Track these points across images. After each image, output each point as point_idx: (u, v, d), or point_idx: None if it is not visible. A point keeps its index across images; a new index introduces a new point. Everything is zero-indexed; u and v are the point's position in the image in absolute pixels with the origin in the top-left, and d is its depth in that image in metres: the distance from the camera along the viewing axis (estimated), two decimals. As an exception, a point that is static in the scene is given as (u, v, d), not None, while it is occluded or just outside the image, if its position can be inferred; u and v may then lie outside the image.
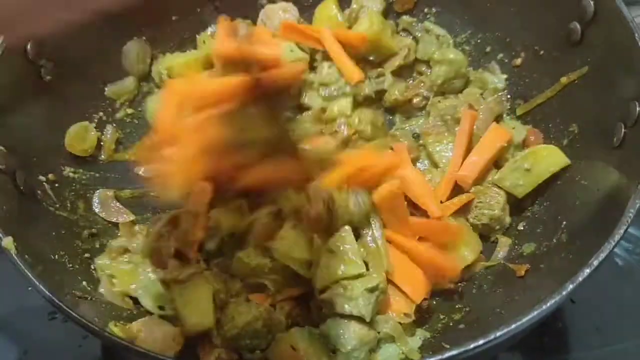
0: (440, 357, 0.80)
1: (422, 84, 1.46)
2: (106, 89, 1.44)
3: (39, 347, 1.30)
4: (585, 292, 1.19)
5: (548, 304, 0.85)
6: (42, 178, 1.21)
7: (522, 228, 1.29)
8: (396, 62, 1.50)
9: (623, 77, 1.15)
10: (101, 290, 1.14)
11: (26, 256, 0.97)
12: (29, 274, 0.94)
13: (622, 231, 0.94)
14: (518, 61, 1.46)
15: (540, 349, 1.23)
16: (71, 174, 1.30)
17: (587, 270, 0.89)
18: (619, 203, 1.01)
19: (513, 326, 0.82)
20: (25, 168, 1.15)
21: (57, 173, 1.26)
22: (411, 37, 1.55)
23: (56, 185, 1.24)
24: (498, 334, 0.81)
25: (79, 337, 1.30)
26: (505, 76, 1.46)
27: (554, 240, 1.18)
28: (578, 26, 1.26)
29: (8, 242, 0.97)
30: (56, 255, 1.13)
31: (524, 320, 0.83)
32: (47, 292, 0.91)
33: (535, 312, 0.84)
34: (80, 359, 1.28)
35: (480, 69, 1.51)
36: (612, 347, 1.23)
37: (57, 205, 1.22)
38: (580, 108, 1.27)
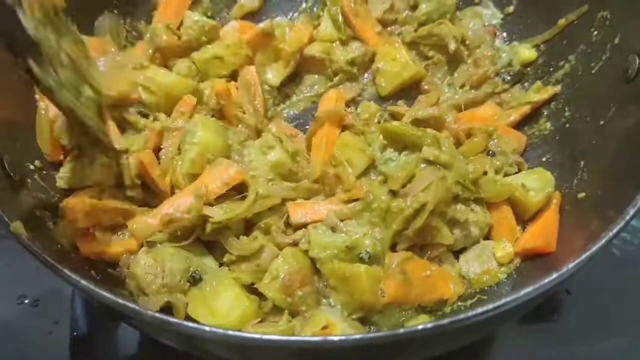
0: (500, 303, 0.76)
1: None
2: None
3: (7, 333, 1.24)
4: (582, 284, 1.23)
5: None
6: (30, 166, 1.10)
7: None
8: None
9: (630, 9, 1.14)
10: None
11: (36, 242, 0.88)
12: (47, 257, 0.84)
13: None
14: (510, 9, 1.44)
15: (538, 341, 1.21)
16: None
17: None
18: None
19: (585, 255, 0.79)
20: (11, 154, 1.05)
21: (42, 159, 1.14)
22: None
23: (44, 172, 1.13)
24: (570, 265, 0.78)
25: (50, 323, 1.24)
26: (501, 15, 1.44)
27: (575, 181, 1.16)
28: (574, -37, 1.26)
29: (17, 226, 0.88)
30: (59, 245, 1.03)
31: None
32: (68, 272, 0.82)
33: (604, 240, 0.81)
34: (50, 345, 1.22)
35: (473, 5, 1.48)
36: (610, 338, 1.22)
37: (52, 193, 1.11)
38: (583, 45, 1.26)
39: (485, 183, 1.14)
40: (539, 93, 1.31)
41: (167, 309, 0.99)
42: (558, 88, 1.30)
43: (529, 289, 0.76)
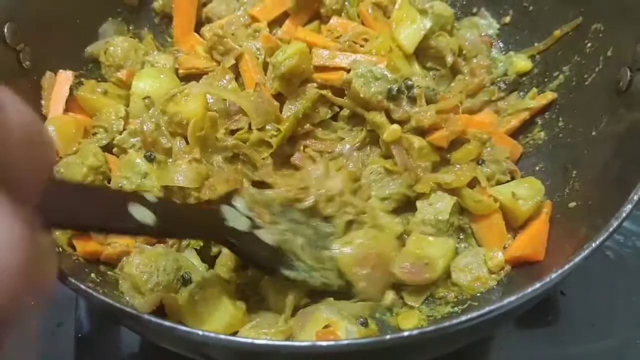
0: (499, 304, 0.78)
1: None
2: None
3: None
4: (577, 285, 1.25)
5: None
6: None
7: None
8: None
9: (623, 22, 1.16)
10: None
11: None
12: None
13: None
14: (507, 19, 1.46)
15: (533, 342, 1.23)
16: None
17: (629, 206, 0.88)
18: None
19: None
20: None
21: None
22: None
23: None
24: (553, 275, 0.80)
25: (53, 324, 1.25)
26: (498, 26, 1.46)
27: (567, 190, 1.18)
28: (569, -25, 1.27)
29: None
30: (60, 248, 1.05)
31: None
32: (68, 275, 0.85)
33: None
34: (54, 346, 1.23)
35: (470, 16, 1.50)
36: (603, 339, 1.23)
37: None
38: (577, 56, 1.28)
39: (467, 197, 1.17)
40: (535, 99, 1.32)
41: (163, 315, 1.01)
42: (555, 95, 1.32)
43: (511, 298, 0.78)
